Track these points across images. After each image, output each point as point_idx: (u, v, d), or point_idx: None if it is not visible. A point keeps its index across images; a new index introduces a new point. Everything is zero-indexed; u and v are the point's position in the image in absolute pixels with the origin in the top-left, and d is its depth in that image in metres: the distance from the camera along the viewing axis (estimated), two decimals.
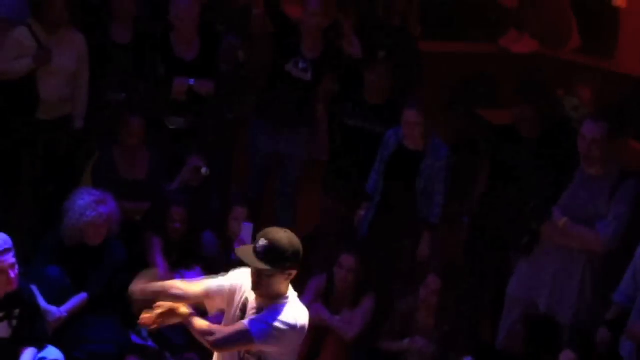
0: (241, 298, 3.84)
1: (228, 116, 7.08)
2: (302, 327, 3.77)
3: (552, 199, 5.51)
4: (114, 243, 6.05)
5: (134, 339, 6.09)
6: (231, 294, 3.86)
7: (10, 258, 5.07)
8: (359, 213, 6.53)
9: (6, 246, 5.06)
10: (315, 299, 6.07)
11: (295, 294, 3.85)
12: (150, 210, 6.51)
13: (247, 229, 6.22)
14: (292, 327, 3.72)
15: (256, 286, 3.73)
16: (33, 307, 5.37)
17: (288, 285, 3.81)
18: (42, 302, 5.62)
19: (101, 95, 6.69)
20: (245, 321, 3.71)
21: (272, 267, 3.68)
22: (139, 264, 6.11)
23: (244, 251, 3.77)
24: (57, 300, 5.77)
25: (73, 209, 5.86)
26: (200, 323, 3.76)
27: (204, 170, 6.59)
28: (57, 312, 5.73)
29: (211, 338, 3.68)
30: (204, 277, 6.25)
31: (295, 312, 3.76)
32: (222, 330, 3.75)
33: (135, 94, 6.68)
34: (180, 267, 6.31)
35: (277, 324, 3.68)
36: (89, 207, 5.84)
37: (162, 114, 6.70)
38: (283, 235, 3.74)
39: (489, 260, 6.17)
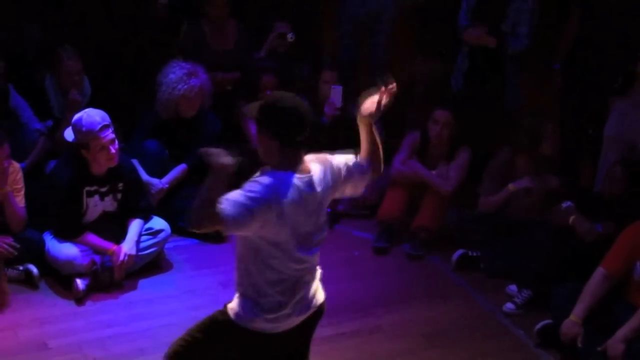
0: None
1: None
2: (256, 200, 3.23)
3: None
4: (208, 115, 6.14)
5: None
6: None
7: (110, 134, 5.19)
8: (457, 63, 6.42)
9: (105, 122, 5.17)
10: (411, 155, 6.09)
11: (284, 174, 3.31)
12: (241, 80, 6.55)
13: (336, 91, 6.22)
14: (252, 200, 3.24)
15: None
16: (136, 181, 5.54)
17: (278, 160, 3.33)
18: (143, 175, 5.79)
19: None
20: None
21: (257, 118, 3.36)
22: (234, 134, 6.24)
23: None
24: (157, 173, 5.93)
25: (165, 83, 5.94)
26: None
27: (289, 35, 6.59)
28: (159, 183, 5.89)
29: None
30: None
31: (256, 185, 3.27)
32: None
33: None
34: None
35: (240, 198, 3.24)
36: (180, 80, 5.91)
37: None
38: (285, 98, 3.35)
39: (586, 106, 6.04)
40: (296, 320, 3.56)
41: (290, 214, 3.32)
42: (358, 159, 3.59)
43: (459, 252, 5.79)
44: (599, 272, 4.78)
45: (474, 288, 5.59)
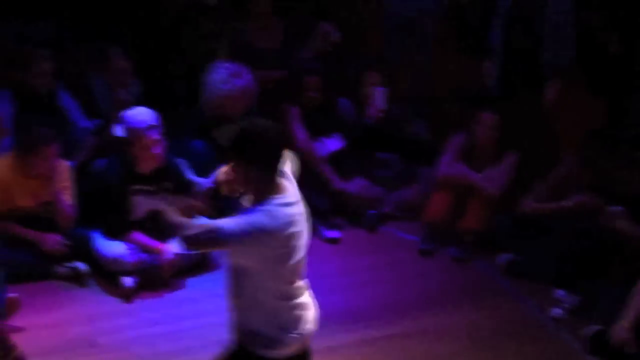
0: None
1: None
2: (274, 230, 3.18)
3: None
4: (254, 114, 6.14)
5: None
6: None
7: (155, 134, 5.23)
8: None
9: (152, 122, 5.21)
10: (457, 157, 6.05)
11: (288, 197, 3.26)
12: (284, 81, 6.55)
13: (379, 93, 6.21)
14: (259, 229, 3.17)
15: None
16: (181, 180, 5.57)
17: (272, 186, 3.26)
18: (190, 175, 5.81)
19: None
20: (221, 220, 3.26)
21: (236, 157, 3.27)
22: None
23: None
24: (205, 172, 5.94)
25: (210, 83, 5.97)
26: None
27: (334, 36, 6.58)
28: (205, 182, 5.90)
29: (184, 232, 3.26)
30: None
31: (268, 215, 3.18)
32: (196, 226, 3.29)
33: None
34: (320, 134, 6.38)
35: (245, 225, 3.17)
36: (224, 81, 5.93)
37: None
38: (253, 126, 3.25)
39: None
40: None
41: (292, 236, 3.24)
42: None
43: (505, 256, 5.75)
44: None
45: (521, 292, 5.55)
